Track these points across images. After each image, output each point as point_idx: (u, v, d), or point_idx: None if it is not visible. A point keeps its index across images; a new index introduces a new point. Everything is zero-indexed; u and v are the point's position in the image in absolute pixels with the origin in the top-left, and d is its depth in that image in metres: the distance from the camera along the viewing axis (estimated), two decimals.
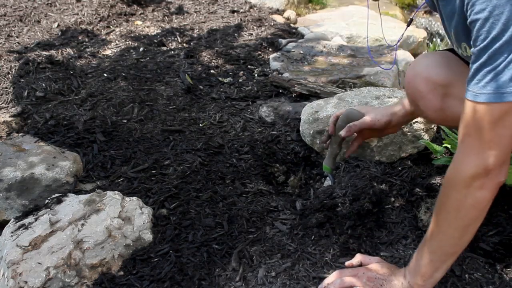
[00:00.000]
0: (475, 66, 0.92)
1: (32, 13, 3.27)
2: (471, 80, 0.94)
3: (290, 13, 3.62)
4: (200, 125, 2.03)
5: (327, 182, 1.60)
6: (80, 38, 2.97)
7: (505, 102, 0.90)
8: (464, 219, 1.03)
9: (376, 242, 1.33)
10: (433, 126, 1.72)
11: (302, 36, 3.19)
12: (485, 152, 0.96)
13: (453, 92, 1.22)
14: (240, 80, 2.45)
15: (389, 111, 1.47)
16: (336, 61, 2.62)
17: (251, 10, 3.53)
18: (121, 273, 1.29)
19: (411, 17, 1.34)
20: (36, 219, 1.39)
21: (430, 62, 1.26)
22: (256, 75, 2.51)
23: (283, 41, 2.92)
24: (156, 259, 1.32)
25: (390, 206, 1.46)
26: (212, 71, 2.54)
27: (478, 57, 0.91)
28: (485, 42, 0.89)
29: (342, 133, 1.45)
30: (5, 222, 1.47)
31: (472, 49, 0.93)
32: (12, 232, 1.36)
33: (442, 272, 1.09)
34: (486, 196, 1.00)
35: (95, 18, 3.22)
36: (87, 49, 2.81)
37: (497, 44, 0.87)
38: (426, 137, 1.70)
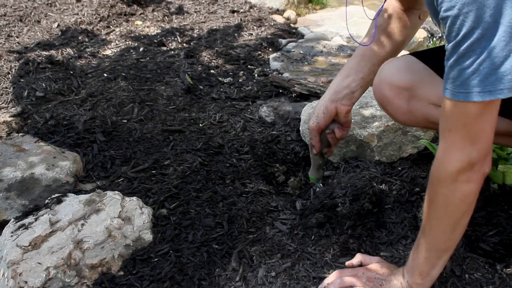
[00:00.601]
0: (449, 63, 0.92)
1: (32, 13, 3.27)
2: (447, 77, 0.94)
3: (290, 13, 3.62)
4: (200, 125, 2.03)
5: (317, 189, 1.60)
6: (80, 38, 2.97)
7: (483, 100, 0.90)
8: (454, 214, 1.04)
9: (376, 242, 1.33)
10: None
11: (302, 36, 3.19)
12: (468, 146, 0.97)
13: (418, 94, 1.25)
14: (240, 80, 2.45)
15: (321, 102, 1.40)
16: (336, 61, 2.62)
17: (251, 10, 3.53)
18: (121, 273, 1.29)
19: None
20: (36, 219, 1.39)
21: (392, 68, 1.29)
22: (256, 75, 2.51)
23: (283, 41, 2.92)
24: (156, 259, 1.32)
25: (390, 206, 1.46)
26: (212, 71, 2.54)
27: (452, 54, 0.91)
28: (456, 39, 0.89)
29: (314, 151, 1.46)
30: (5, 222, 1.47)
31: (446, 45, 0.94)
32: (12, 232, 1.36)
33: (439, 268, 1.10)
34: (473, 189, 1.02)
35: (95, 18, 3.22)
36: (87, 49, 2.81)
37: (468, 42, 0.87)
38: (426, 137, 1.70)
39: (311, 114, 1.44)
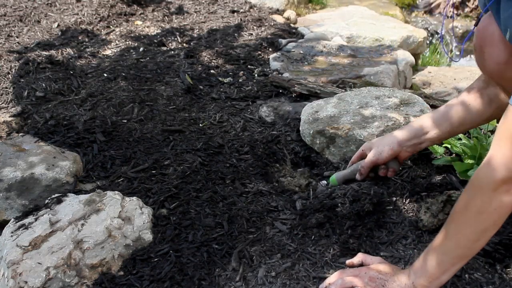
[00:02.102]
0: None
1: (32, 13, 3.27)
2: None
3: (290, 13, 3.62)
4: (200, 125, 2.03)
5: (322, 183, 1.62)
6: (80, 38, 2.97)
7: None
8: (484, 223, 1.03)
9: (376, 242, 1.33)
10: None
11: (302, 36, 3.19)
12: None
13: None
14: (240, 80, 2.45)
15: (391, 141, 1.48)
16: (336, 61, 2.62)
17: (251, 10, 3.53)
18: (121, 273, 1.29)
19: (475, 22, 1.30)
20: (36, 219, 1.39)
21: None
22: (256, 75, 2.51)
23: (283, 41, 2.92)
24: (156, 259, 1.32)
25: (390, 206, 1.46)
26: (212, 71, 2.54)
27: None
28: None
29: (358, 177, 1.54)
30: (5, 222, 1.47)
31: None
32: (12, 232, 1.36)
33: (449, 275, 1.08)
34: (508, 202, 1.00)
35: (95, 18, 3.22)
36: (87, 49, 2.81)
37: None
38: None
39: (372, 144, 1.52)
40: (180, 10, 3.47)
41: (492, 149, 1.01)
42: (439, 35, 4.21)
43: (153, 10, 3.45)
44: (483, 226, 1.03)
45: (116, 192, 1.50)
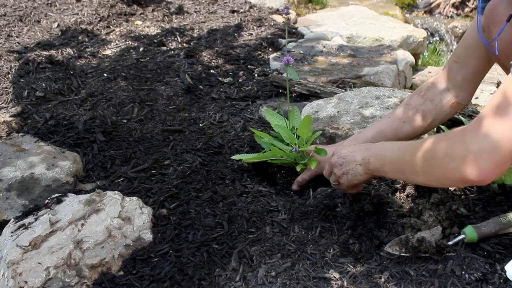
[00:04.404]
0: None
1: (32, 13, 3.27)
2: None
3: (290, 13, 3.62)
4: (200, 125, 2.03)
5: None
6: (80, 38, 2.97)
7: None
8: (439, 171, 1.07)
9: (376, 242, 1.33)
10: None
11: (302, 36, 3.19)
12: (504, 139, 0.93)
13: None
14: (240, 80, 2.45)
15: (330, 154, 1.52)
16: (336, 61, 2.62)
17: (251, 10, 3.53)
18: (121, 273, 1.29)
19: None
20: (36, 219, 1.39)
21: None
22: (256, 75, 2.51)
23: (283, 41, 2.92)
24: (156, 259, 1.32)
25: (390, 206, 1.46)
26: (212, 71, 2.54)
27: None
28: None
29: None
30: (5, 222, 1.47)
31: None
32: (12, 232, 1.36)
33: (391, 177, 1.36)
34: (471, 173, 0.98)
35: (95, 18, 3.23)
36: (87, 49, 2.81)
37: None
38: (426, 136, 1.70)
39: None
40: (180, 10, 3.47)
41: (484, 116, 0.98)
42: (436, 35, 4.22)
43: (153, 10, 3.46)
44: (437, 173, 1.08)
45: (116, 192, 1.50)
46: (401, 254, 1.26)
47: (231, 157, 1.73)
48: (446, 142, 1.06)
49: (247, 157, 1.67)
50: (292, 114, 1.74)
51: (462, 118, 1.83)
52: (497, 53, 1.19)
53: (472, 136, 0.99)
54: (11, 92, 2.28)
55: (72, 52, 2.75)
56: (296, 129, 1.72)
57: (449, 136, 1.10)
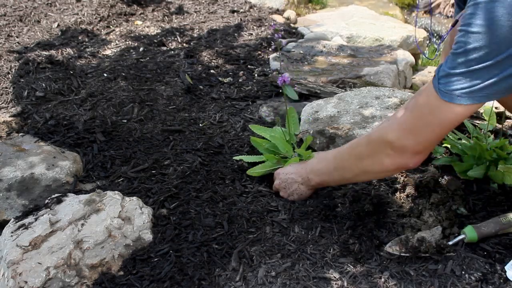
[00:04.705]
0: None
1: (32, 13, 3.27)
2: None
3: (290, 13, 3.62)
4: (200, 125, 2.03)
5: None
6: (80, 38, 2.97)
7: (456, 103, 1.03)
8: (365, 169, 1.28)
9: (376, 242, 1.33)
10: None
11: (302, 36, 3.19)
12: (412, 134, 1.12)
13: None
14: (240, 80, 2.45)
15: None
16: (336, 61, 2.62)
17: (251, 10, 3.52)
18: (121, 273, 1.29)
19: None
20: (36, 219, 1.39)
21: None
22: (256, 75, 2.51)
23: (283, 41, 2.92)
24: (156, 259, 1.32)
25: (390, 206, 1.46)
26: (212, 71, 2.54)
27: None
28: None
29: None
30: (5, 222, 1.47)
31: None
32: (12, 232, 1.36)
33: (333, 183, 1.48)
34: (387, 165, 1.21)
35: (95, 18, 3.22)
36: (87, 49, 2.81)
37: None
38: None
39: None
40: (180, 10, 3.47)
41: (405, 111, 1.16)
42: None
43: (153, 10, 3.45)
44: (363, 170, 1.29)
45: (116, 192, 1.50)
46: (401, 254, 1.26)
47: (233, 158, 1.73)
48: (367, 141, 1.28)
49: (253, 170, 1.66)
50: (289, 118, 1.75)
51: None
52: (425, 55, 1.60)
53: (391, 133, 1.19)
54: (11, 92, 2.28)
55: (72, 52, 2.75)
56: (296, 134, 1.77)
57: (369, 136, 1.28)
